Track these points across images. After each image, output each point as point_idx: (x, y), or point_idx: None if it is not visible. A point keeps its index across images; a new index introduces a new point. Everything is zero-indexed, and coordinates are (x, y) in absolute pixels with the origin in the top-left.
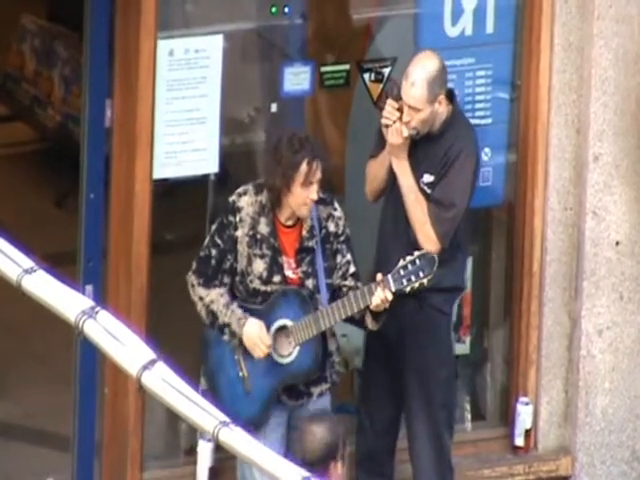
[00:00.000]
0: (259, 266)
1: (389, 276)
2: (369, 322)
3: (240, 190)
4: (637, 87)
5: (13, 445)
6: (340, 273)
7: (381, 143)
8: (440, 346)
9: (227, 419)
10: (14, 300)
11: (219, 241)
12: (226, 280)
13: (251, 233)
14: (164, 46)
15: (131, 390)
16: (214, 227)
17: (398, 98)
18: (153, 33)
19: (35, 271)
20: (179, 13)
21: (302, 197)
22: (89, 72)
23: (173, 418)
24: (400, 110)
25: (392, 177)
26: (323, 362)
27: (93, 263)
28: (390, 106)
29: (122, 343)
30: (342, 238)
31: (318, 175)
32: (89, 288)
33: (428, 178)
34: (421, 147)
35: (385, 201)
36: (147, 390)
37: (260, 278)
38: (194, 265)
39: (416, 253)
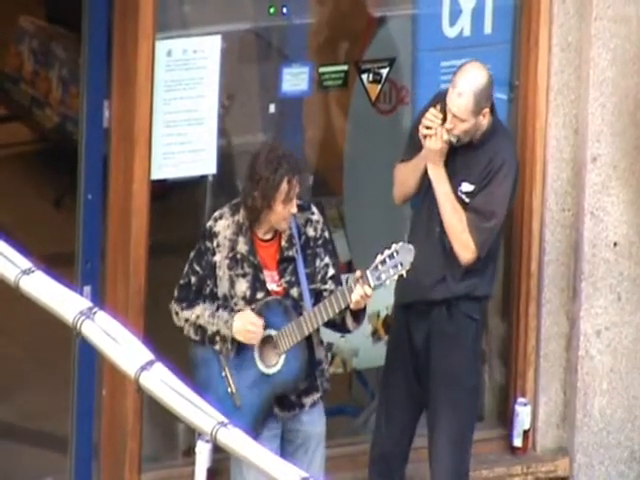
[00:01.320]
0: (242, 286)
1: (368, 271)
2: (349, 323)
3: (216, 214)
4: (635, 87)
5: (11, 446)
6: (319, 277)
7: (413, 147)
8: (467, 353)
9: (225, 420)
10: (12, 301)
11: (197, 268)
12: (208, 304)
13: (230, 255)
14: (162, 47)
15: (129, 391)
16: (192, 254)
17: (442, 101)
18: (151, 34)
19: (33, 272)
20: (177, 14)
21: (283, 213)
22: (87, 73)
23: (171, 419)
24: (442, 117)
25: (425, 183)
26: (311, 370)
27: (91, 264)
28: (431, 114)
29: (120, 344)
30: (320, 242)
31: (297, 190)
32: (87, 289)
33: (467, 187)
34: (460, 155)
35: (418, 209)
36: (145, 391)
37: (244, 298)
38: (175, 293)
39: (393, 246)
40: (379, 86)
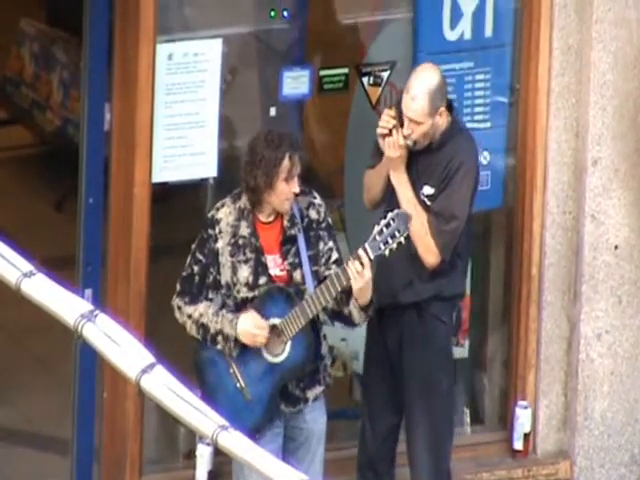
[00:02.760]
0: (244, 272)
1: (366, 244)
2: (356, 314)
3: (218, 204)
4: (635, 91)
5: (12, 449)
6: (323, 261)
7: (378, 153)
8: (439, 355)
9: (226, 423)
10: (13, 303)
11: (200, 256)
12: (211, 295)
13: (232, 241)
14: (163, 50)
15: (130, 394)
16: (194, 245)
17: (396, 106)
18: (152, 37)
19: (34, 275)
20: (178, 17)
21: (285, 193)
22: (88, 76)
23: (172, 422)
24: (396, 119)
25: (390, 187)
26: (317, 352)
27: (92, 267)
28: (387, 115)
29: (121, 347)
30: (324, 225)
31: (299, 168)
32: (88, 292)
33: (428, 190)
34: (421, 159)
35: (384, 213)
36: (146, 394)
37: (247, 284)
38: (178, 287)
39: (389, 215)
40: (380, 89)
